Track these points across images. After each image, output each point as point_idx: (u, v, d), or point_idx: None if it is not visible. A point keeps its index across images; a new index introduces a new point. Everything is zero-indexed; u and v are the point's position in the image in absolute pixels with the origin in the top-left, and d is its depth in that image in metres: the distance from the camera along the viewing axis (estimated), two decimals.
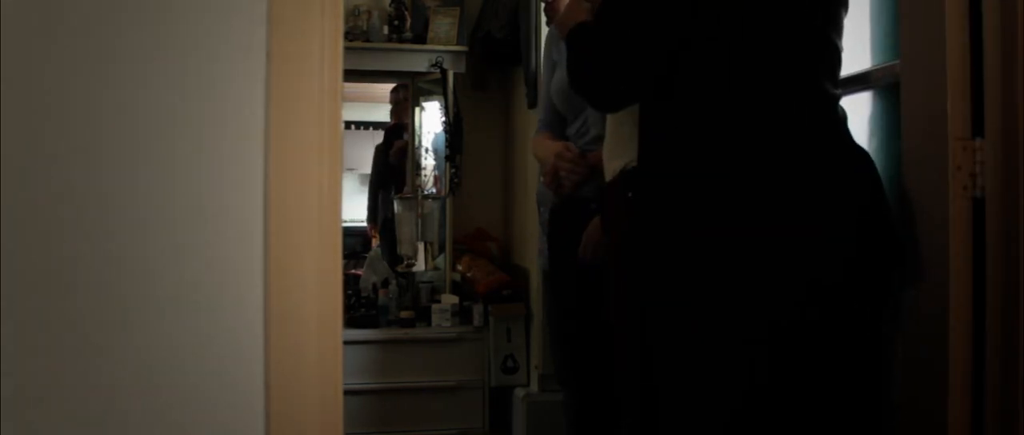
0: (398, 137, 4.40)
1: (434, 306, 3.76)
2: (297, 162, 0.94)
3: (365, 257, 4.06)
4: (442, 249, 4.04)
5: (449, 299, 3.80)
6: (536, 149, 2.40)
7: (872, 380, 1.45)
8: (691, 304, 1.40)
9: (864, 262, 1.38)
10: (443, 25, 3.91)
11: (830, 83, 1.44)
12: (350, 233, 4.29)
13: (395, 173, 4.38)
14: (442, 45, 3.88)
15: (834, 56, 1.45)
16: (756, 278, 1.34)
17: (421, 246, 4.07)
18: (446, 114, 3.91)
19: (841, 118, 1.48)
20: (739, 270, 1.35)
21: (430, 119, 4.21)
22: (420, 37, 3.92)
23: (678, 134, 1.44)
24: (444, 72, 3.86)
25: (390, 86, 4.39)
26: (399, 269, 4.03)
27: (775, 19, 1.39)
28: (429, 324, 3.73)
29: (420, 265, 4.05)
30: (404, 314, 3.75)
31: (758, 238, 1.35)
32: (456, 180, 3.92)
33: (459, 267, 3.93)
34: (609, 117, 1.87)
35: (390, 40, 3.91)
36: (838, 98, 1.47)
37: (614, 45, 1.41)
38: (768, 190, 1.36)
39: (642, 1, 1.39)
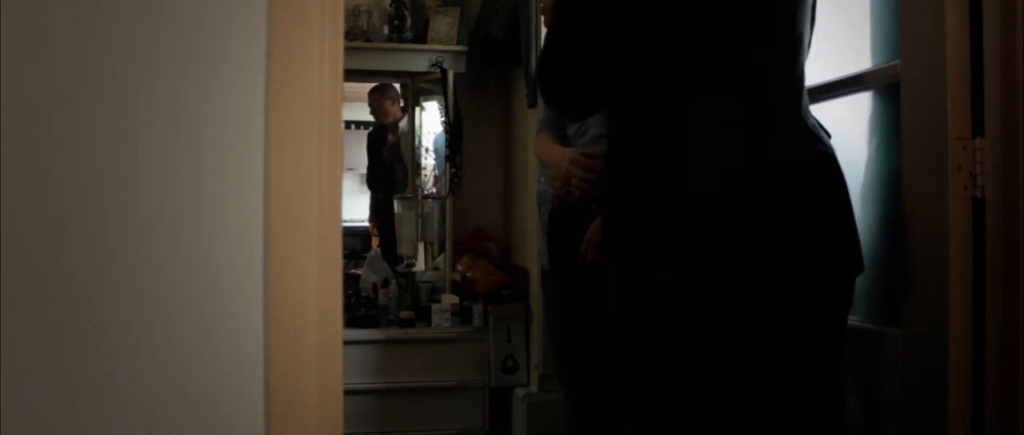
0: (381, 138, 4.40)
1: (434, 306, 3.76)
2: (297, 162, 0.94)
3: (365, 257, 4.06)
4: (442, 249, 4.04)
5: (449, 299, 3.79)
6: (541, 151, 2.39)
7: (834, 384, 1.47)
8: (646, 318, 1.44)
9: (823, 267, 1.40)
10: (443, 25, 3.91)
11: (790, 77, 1.43)
12: (350, 233, 4.29)
13: (388, 172, 4.38)
14: (442, 45, 3.88)
15: (795, 44, 1.43)
16: (716, 287, 1.37)
17: (421, 246, 4.07)
18: (446, 114, 3.91)
19: (801, 114, 1.45)
20: (699, 282, 1.38)
21: (430, 119, 4.21)
22: (420, 37, 3.92)
23: (635, 143, 1.46)
24: (444, 72, 3.86)
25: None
26: (399, 269, 4.03)
27: (730, 19, 1.38)
28: (429, 324, 3.73)
29: (420, 265, 4.05)
30: (404, 314, 3.75)
31: (715, 249, 1.37)
32: (456, 180, 3.92)
33: (459, 267, 3.93)
34: None
35: (390, 40, 3.91)
36: (800, 91, 1.45)
37: (567, 57, 1.43)
38: (722, 200, 1.37)
39: (593, 13, 1.40)
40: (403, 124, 4.38)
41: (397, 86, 4.34)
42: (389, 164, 4.40)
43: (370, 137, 4.50)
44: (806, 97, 1.47)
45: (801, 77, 1.46)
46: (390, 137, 4.38)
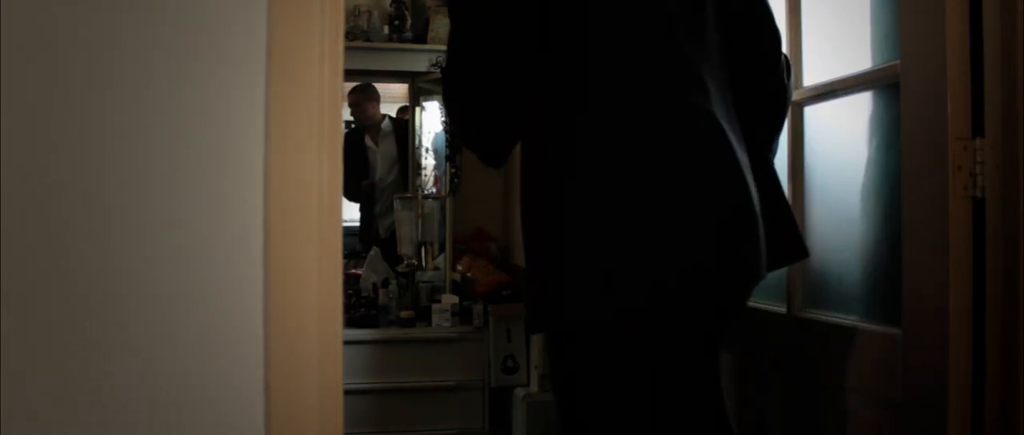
0: (359, 138, 4.38)
1: (434, 306, 3.76)
2: (297, 162, 0.94)
3: (365, 257, 4.06)
4: (442, 249, 4.04)
5: (449, 299, 3.79)
6: None
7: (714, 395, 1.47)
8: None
9: (715, 279, 1.39)
10: (443, 25, 3.91)
11: (695, 82, 1.41)
12: (350, 233, 4.29)
13: (367, 177, 4.37)
14: (442, 45, 3.87)
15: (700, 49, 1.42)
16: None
17: (421, 246, 4.07)
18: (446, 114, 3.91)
19: (704, 123, 1.40)
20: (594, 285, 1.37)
21: (430, 119, 4.21)
22: (420, 37, 3.92)
23: (542, 163, 1.46)
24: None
25: (392, 85, 4.38)
26: (399, 269, 4.03)
27: (620, 37, 1.38)
28: (429, 324, 3.73)
29: (420, 265, 4.05)
30: (404, 314, 3.75)
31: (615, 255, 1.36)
32: (456, 180, 3.92)
33: (459, 267, 3.93)
34: None
35: (390, 40, 3.91)
36: (705, 92, 1.41)
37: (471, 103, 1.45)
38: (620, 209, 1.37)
39: (489, 46, 1.40)
40: (384, 125, 4.37)
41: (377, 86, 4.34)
42: (367, 191, 4.39)
43: (347, 138, 4.47)
44: (714, 94, 1.42)
45: (698, 71, 1.41)
46: (368, 140, 4.36)
